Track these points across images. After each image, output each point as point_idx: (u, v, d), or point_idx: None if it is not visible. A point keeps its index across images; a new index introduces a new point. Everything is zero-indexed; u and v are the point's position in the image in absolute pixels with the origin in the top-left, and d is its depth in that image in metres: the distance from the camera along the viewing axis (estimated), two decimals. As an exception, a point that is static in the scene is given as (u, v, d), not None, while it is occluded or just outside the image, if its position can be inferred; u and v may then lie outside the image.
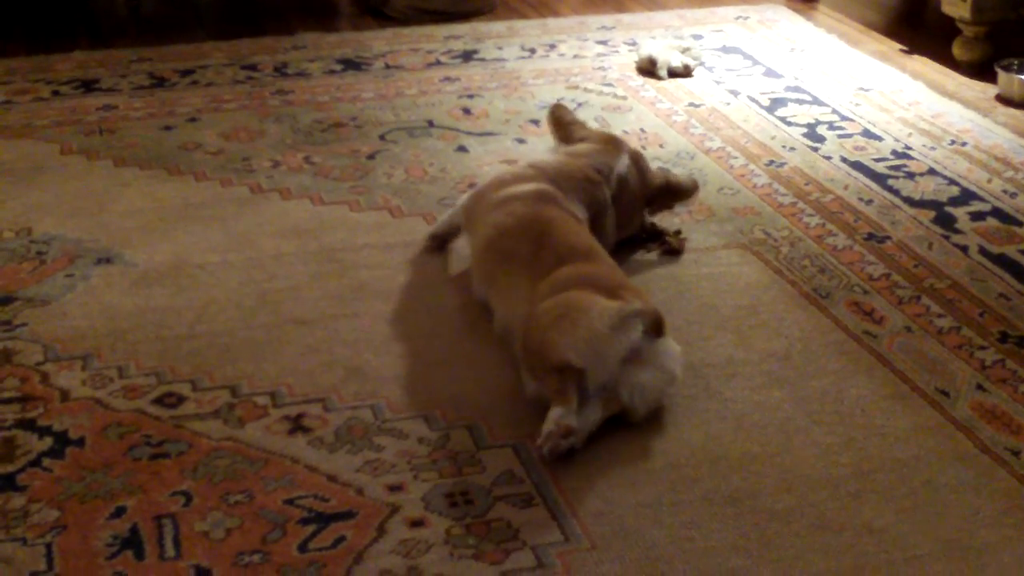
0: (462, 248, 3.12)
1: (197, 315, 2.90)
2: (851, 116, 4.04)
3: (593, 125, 3.93)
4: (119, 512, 2.28)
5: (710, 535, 2.23)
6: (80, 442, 2.47)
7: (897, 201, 3.46)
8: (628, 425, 2.50)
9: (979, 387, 2.65)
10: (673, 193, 3.28)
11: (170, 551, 2.19)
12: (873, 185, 3.56)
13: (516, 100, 4.16)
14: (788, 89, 4.27)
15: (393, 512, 2.28)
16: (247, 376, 2.67)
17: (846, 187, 3.54)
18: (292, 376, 2.67)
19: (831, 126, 3.97)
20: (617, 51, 4.62)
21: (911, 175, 3.63)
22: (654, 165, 3.36)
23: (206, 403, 2.59)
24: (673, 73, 4.36)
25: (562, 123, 3.37)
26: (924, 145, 3.82)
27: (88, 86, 4.27)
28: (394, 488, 2.34)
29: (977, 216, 3.39)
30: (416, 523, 2.25)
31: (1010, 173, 3.63)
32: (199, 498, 2.31)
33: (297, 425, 2.52)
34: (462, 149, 3.78)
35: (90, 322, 2.87)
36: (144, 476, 2.37)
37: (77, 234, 3.27)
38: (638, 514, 2.28)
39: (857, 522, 2.26)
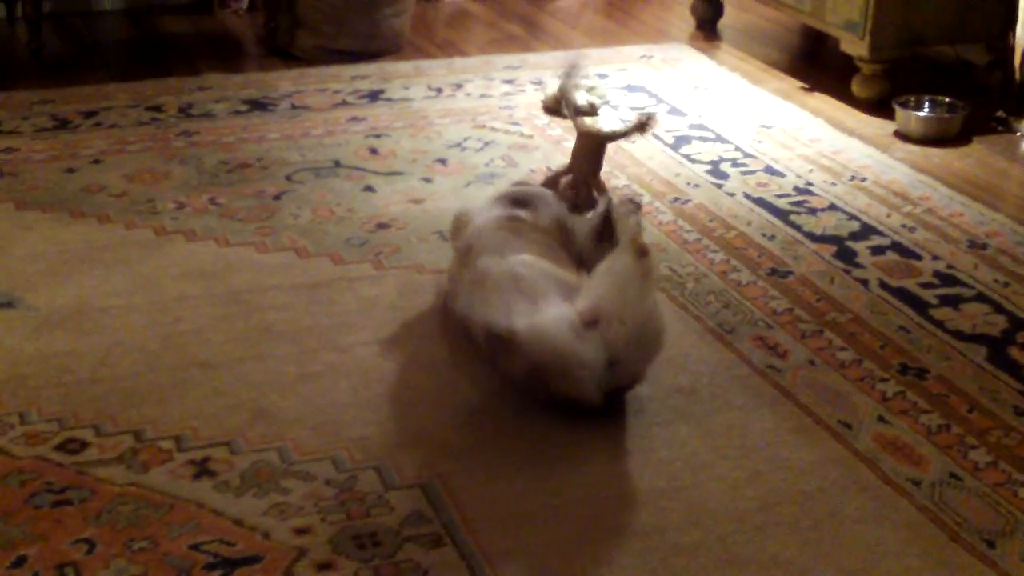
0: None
1: (100, 359, 2.86)
2: (754, 153, 4.10)
3: (499, 164, 3.96)
4: (20, 561, 2.23)
5: (619, 571, 2.24)
6: (-21, 491, 2.42)
7: (799, 236, 3.52)
8: (536, 463, 2.50)
9: (881, 419, 2.69)
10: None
11: (72, 600, 2.16)
12: (776, 221, 3.61)
13: (423, 139, 4.17)
14: (692, 127, 4.33)
15: (300, 556, 2.26)
16: (151, 420, 2.64)
17: (749, 223, 3.59)
18: (197, 419, 2.65)
19: (734, 163, 4.02)
20: (523, 90, 4.66)
21: (813, 211, 3.68)
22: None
23: (109, 448, 2.55)
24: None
25: None
26: (825, 181, 3.89)
27: (-12, 128, 4.22)
28: (301, 531, 2.32)
29: (877, 250, 3.45)
30: (324, 566, 2.24)
31: (908, 208, 3.70)
32: (102, 545, 2.28)
33: (202, 469, 2.49)
34: (369, 189, 3.78)
35: (-10, 368, 2.83)
36: (46, 524, 2.33)
37: (-23, 279, 3.22)
38: (547, 552, 2.28)
39: (763, 555, 2.29)
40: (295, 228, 3.51)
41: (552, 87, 4.46)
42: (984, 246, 3.48)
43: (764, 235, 3.52)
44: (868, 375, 2.86)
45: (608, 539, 2.32)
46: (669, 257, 3.37)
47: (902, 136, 4.29)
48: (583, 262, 3.00)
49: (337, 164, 3.96)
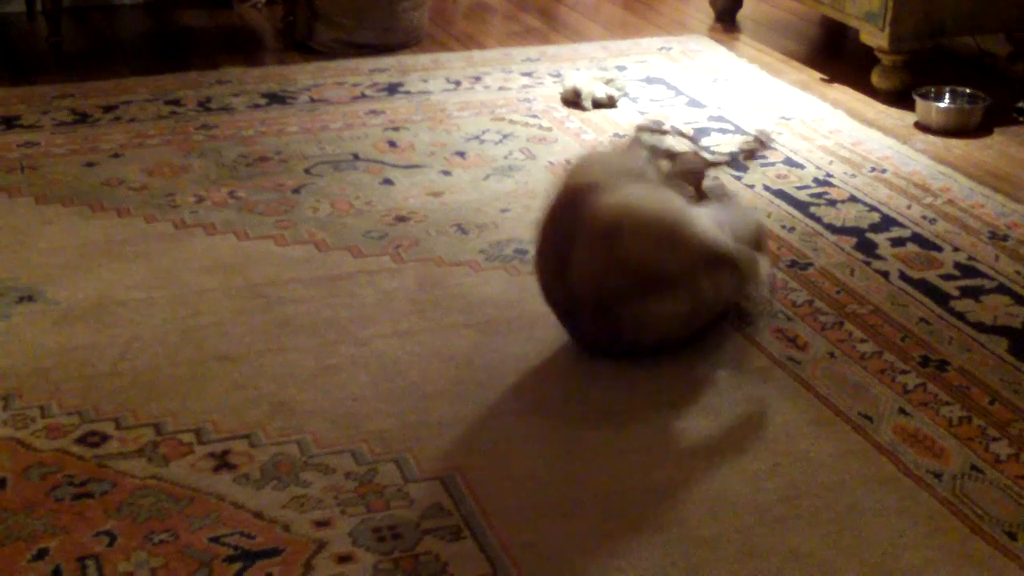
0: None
1: (120, 353, 2.87)
2: (773, 145, 4.08)
3: (518, 157, 3.96)
4: (41, 554, 2.25)
5: (639, 564, 2.24)
6: (1, 483, 2.43)
7: (819, 228, 3.50)
8: (555, 455, 2.50)
9: (901, 411, 2.68)
10: None
11: (94, 593, 2.16)
12: (795, 213, 3.60)
13: (442, 132, 4.16)
14: (711, 119, 4.32)
15: (320, 548, 2.26)
16: (171, 413, 2.65)
17: (769, 215, 3.58)
18: (217, 413, 2.65)
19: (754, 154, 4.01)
20: (542, 83, 4.65)
21: (832, 202, 3.67)
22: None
23: (130, 441, 2.56)
24: (597, 104, 4.39)
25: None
26: (845, 172, 3.88)
27: (9, 123, 4.23)
28: (321, 524, 2.32)
29: (897, 242, 3.43)
30: (344, 559, 2.24)
31: (929, 199, 3.69)
32: (123, 538, 2.29)
33: (222, 462, 2.50)
34: (388, 182, 3.78)
35: (11, 361, 2.83)
36: (67, 517, 2.34)
37: (-2, 272, 3.23)
38: (567, 545, 2.28)
39: (783, 547, 2.28)
40: (314, 221, 3.51)
41: (570, 79, 4.45)
42: (1005, 237, 3.47)
43: (784, 227, 3.51)
44: (889, 367, 2.85)
45: (628, 532, 2.31)
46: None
47: (922, 127, 4.27)
48: None
49: (356, 157, 3.96)
